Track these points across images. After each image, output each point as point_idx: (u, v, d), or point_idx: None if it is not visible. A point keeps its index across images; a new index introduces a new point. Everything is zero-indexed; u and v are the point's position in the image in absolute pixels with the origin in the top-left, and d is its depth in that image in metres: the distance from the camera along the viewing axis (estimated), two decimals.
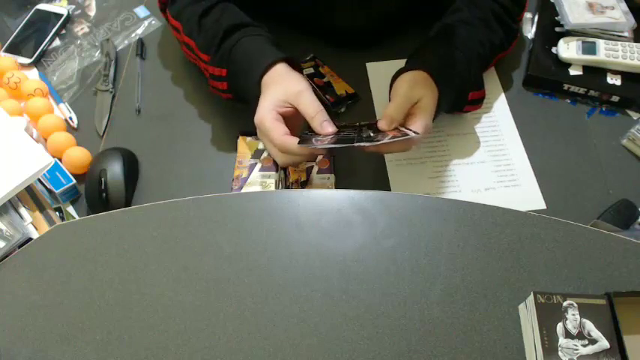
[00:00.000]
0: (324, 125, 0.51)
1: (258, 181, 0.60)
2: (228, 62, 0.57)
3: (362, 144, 0.48)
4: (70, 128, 0.66)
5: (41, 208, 0.57)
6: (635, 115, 0.65)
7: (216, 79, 0.59)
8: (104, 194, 0.58)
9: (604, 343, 0.40)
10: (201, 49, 0.59)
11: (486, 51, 0.60)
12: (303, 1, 0.65)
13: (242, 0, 0.62)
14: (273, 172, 0.60)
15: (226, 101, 0.62)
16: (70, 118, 0.67)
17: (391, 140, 0.49)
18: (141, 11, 0.78)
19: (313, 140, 0.51)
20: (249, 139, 0.63)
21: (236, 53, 0.57)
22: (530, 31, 0.73)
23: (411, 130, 0.51)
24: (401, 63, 0.61)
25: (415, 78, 0.55)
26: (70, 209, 0.60)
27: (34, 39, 0.73)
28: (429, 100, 0.54)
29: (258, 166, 0.61)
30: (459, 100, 0.59)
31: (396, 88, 0.55)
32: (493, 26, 0.61)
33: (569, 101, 0.67)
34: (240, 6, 0.61)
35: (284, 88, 0.53)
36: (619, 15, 0.69)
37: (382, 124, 0.52)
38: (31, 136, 0.60)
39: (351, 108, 0.67)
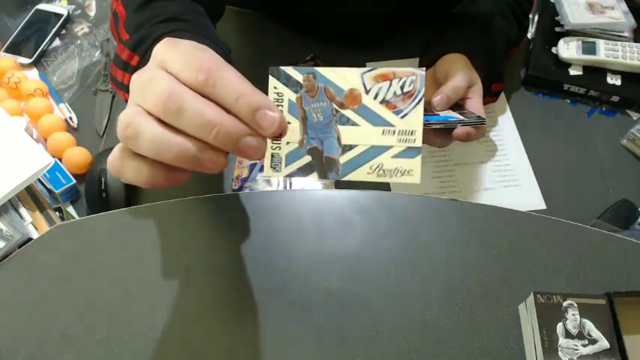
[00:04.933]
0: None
1: (259, 181, 0.60)
2: (145, 52, 0.41)
3: (465, 125, 0.45)
4: (70, 128, 0.66)
5: (41, 208, 0.57)
6: (635, 115, 0.65)
7: (121, 66, 0.43)
8: (104, 194, 0.58)
9: (604, 343, 0.40)
10: (127, 27, 0.44)
11: (505, 44, 0.60)
12: (315, 3, 0.63)
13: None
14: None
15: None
16: (70, 118, 0.67)
17: (481, 124, 0.47)
18: None
19: None
20: None
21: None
22: (530, 31, 0.73)
23: (474, 113, 0.49)
24: (401, 63, 0.61)
25: (467, 61, 0.53)
26: (70, 209, 0.60)
27: (34, 39, 0.73)
28: (480, 85, 0.52)
29: (259, 165, 0.61)
30: (485, 90, 0.58)
31: (449, 67, 0.52)
32: (510, 20, 0.61)
33: (569, 101, 0.67)
34: (247, 4, 0.59)
35: None
36: (619, 15, 0.69)
37: (437, 102, 0.49)
38: (31, 136, 0.60)
39: None
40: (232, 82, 0.28)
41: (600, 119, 0.65)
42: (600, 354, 0.40)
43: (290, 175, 0.32)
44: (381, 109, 0.31)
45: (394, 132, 0.31)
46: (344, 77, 0.31)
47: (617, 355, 0.40)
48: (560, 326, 0.41)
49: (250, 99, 0.27)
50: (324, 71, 0.31)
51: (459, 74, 0.51)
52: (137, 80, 0.29)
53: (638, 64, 0.64)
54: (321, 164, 0.31)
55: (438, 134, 0.48)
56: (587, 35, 0.68)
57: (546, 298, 0.42)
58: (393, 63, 0.69)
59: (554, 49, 0.68)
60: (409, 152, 0.30)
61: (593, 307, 0.42)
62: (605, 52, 0.65)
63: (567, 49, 0.67)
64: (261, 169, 0.60)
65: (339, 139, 0.31)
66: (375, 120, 0.31)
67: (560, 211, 0.52)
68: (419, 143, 0.30)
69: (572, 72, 0.67)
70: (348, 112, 0.31)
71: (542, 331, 0.41)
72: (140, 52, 0.42)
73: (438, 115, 0.48)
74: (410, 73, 0.30)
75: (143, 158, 0.28)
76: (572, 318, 0.42)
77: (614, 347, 0.40)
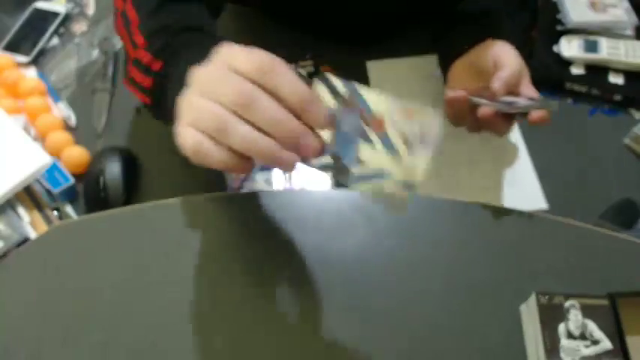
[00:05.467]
0: None
1: (259, 181, 0.59)
2: (170, 58, 0.44)
3: (538, 108, 0.46)
4: (68, 127, 0.66)
5: (39, 208, 0.57)
6: (637, 114, 0.65)
7: (142, 70, 0.45)
8: (103, 194, 0.58)
9: (606, 344, 0.40)
10: (142, 29, 0.46)
11: (523, 33, 0.60)
12: (314, 4, 0.63)
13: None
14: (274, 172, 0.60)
15: (145, 107, 0.49)
16: (69, 117, 0.66)
17: (548, 107, 0.47)
18: None
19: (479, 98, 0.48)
20: None
21: (185, 53, 0.43)
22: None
23: (534, 97, 0.49)
24: (402, 62, 0.61)
25: (513, 48, 0.52)
26: (69, 209, 0.60)
27: (32, 37, 0.73)
28: (528, 71, 0.52)
29: (259, 165, 0.60)
30: None
31: (499, 53, 0.51)
32: (524, 9, 0.61)
33: (570, 100, 0.67)
34: (246, 3, 0.59)
35: None
36: (621, 13, 0.68)
37: (498, 87, 0.47)
38: (29, 135, 0.60)
39: None
40: (289, 75, 0.33)
41: (602, 118, 0.65)
42: (602, 355, 0.40)
43: (311, 167, 0.35)
44: (397, 140, 0.34)
45: (401, 165, 0.34)
46: (377, 102, 0.35)
47: (619, 356, 0.40)
48: (562, 327, 0.41)
49: (306, 92, 0.33)
50: (363, 90, 0.35)
51: (514, 59, 0.50)
52: (206, 77, 0.34)
53: None
54: (337, 170, 0.35)
55: (505, 120, 0.48)
56: (589, 33, 0.68)
57: (548, 298, 0.42)
58: (394, 62, 0.69)
59: (555, 48, 0.68)
60: (407, 186, 0.34)
61: (596, 308, 0.42)
62: (608, 50, 0.65)
63: (569, 48, 0.66)
64: (261, 169, 0.60)
65: (357, 153, 0.34)
66: (390, 148, 0.34)
67: (562, 211, 0.52)
68: (417, 183, 0.34)
69: (574, 70, 0.66)
70: (370, 132, 0.35)
71: (544, 331, 0.41)
72: (163, 59, 0.44)
73: (504, 100, 0.48)
74: (431, 117, 0.35)
75: (225, 147, 0.33)
76: (575, 319, 0.41)
77: (616, 348, 0.40)
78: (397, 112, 0.35)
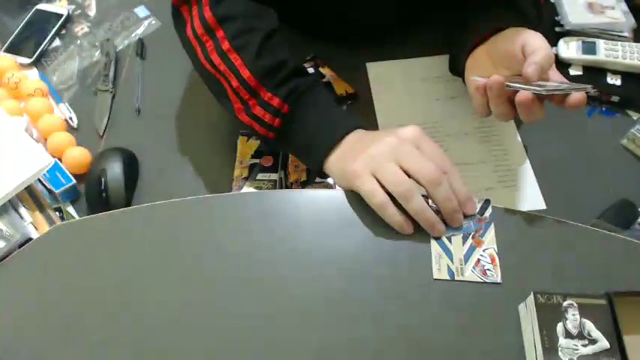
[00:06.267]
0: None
1: (258, 181, 0.60)
2: (297, 102, 0.52)
3: (578, 91, 0.46)
4: (70, 128, 0.66)
5: (41, 208, 0.57)
6: (635, 115, 0.65)
7: (271, 111, 0.52)
8: (104, 194, 0.58)
9: (604, 343, 0.40)
10: (253, 71, 0.52)
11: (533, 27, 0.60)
12: (314, 5, 0.63)
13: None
14: (274, 173, 0.60)
15: (258, 137, 0.56)
16: (70, 118, 0.67)
17: (586, 88, 0.47)
18: (141, 11, 0.78)
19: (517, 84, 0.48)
20: (249, 139, 0.63)
21: (313, 99, 0.52)
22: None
23: (565, 81, 0.50)
24: (401, 63, 0.61)
25: (540, 34, 0.52)
26: (70, 209, 0.60)
27: (34, 39, 0.73)
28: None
29: (259, 166, 0.61)
30: None
31: (526, 39, 0.51)
32: (532, 5, 0.61)
33: None
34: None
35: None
36: (619, 15, 0.69)
37: (532, 72, 0.47)
38: (31, 136, 0.60)
39: (351, 108, 0.67)
40: (461, 179, 0.48)
41: (600, 119, 0.65)
42: (600, 354, 0.40)
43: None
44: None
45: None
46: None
47: (617, 355, 0.40)
48: (560, 326, 0.41)
49: (467, 195, 0.48)
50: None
51: (544, 43, 0.50)
52: (400, 146, 0.47)
53: (638, 64, 0.64)
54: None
55: (540, 105, 0.47)
56: (587, 35, 0.68)
57: (546, 298, 0.42)
58: (393, 63, 0.69)
59: (554, 49, 0.68)
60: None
61: (593, 307, 0.42)
62: (605, 52, 0.65)
63: (567, 49, 0.67)
64: (262, 170, 0.60)
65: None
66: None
67: (560, 211, 0.52)
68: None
69: (572, 72, 0.67)
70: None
71: (542, 331, 0.41)
72: (290, 103, 0.52)
73: (537, 85, 0.47)
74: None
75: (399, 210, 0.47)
76: (572, 318, 0.41)
77: (614, 347, 0.40)
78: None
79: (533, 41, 0.50)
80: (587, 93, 0.47)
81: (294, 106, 0.52)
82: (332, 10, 0.64)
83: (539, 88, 0.46)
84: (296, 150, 0.56)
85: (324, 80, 0.68)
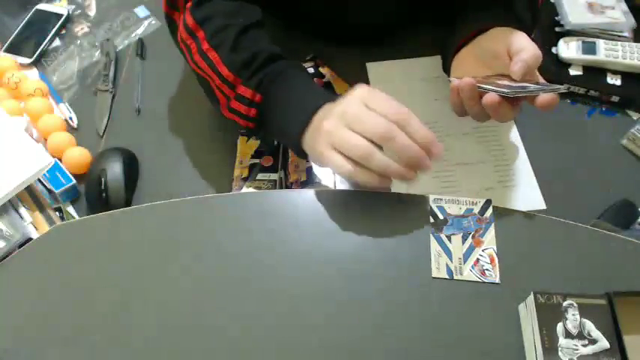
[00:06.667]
0: None
1: (258, 181, 0.60)
2: (268, 89, 0.52)
3: (547, 92, 0.46)
4: (70, 128, 0.66)
5: (41, 208, 0.57)
6: (635, 115, 0.65)
7: (245, 103, 0.53)
8: (104, 194, 0.58)
9: (604, 343, 0.40)
10: (229, 66, 0.53)
11: (526, 30, 0.59)
12: (314, 6, 0.63)
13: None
14: (274, 173, 0.60)
15: (245, 128, 0.56)
16: (70, 118, 0.67)
17: (559, 89, 0.47)
18: (141, 11, 0.78)
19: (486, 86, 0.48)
20: (249, 139, 0.63)
21: (282, 84, 0.52)
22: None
23: (544, 82, 0.49)
24: (401, 63, 0.61)
25: (525, 34, 0.52)
26: (70, 209, 0.60)
27: (34, 39, 0.73)
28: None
29: (259, 166, 0.61)
30: None
31: (512, 38, 0.50)
32: (527, 8, 0.60)
33: (569, 101, 0.67)
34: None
35: None
36: (619, 15, 0.69)
37: (518, 70, 0.47)
38: (31, 136, 0.60)
39: None
40: (417, 122, 0.45)
41: (600, 119, 0.65)
42: (600, 354, 0.40)
43: None
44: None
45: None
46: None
47: (617, 355, 0.40)
48: (560, 326, 0.41)
49: (429, 135, 0.45)
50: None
51: (531, 43, 0.49)
52: (348, 113, 0.46)
53: (638, 64, 0.64)
54: None
55: (510, 106, 0.48)
56: (587, 35, 0.68)
57: (546, 298, 0.42)
58: (393, 63, 0.69)
59: (554, 49, 0.68)
60: None
61: (593, 307, 0.42)
62: (605, 52, 0.65)
63: (567, 49, 0.67)
64: (262, 170, 0.60)
65: None
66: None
67: (560, 211, 0.52)
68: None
69: (572, 72, 0.67)
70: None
71: (542, 331, 0.41)
72: (262, 92, 0.52)
73: (516, 85, 0.47)
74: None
75: (367, 170, 0.45)
76: (572, 318, 0.42)
77: (614, 347, 0.40)
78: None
79: (519, 41, 0.50)
80: (559, 92, 0.47)
81: (266, 94, 0.52)
82: (332, 10, 0.64)
83: (506, 90, 0.46)
84: (276, 136, 0.56)
85: (324, 80, 0.68)
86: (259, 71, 0.52)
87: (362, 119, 0.45)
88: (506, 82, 0.48)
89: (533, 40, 0.50)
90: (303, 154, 0.51)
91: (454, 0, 0.61)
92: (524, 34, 0.51)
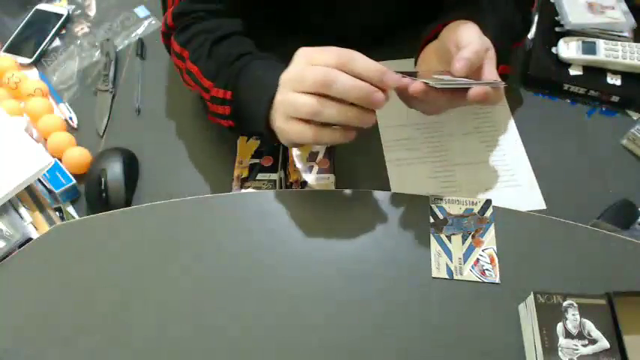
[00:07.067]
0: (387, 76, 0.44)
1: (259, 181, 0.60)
2: (235, 84, 0.52)
3: (478, 85, 0.44)
4: (70, 128, 0.66)
5: (41, 208, 0.57)
6: (635, 115, 0.65)
7: (219, 102, 0.54)
8: (104, 194, 0.58)
9: (604, 343, 0.40)
10: (206, 75, 0.54)
11: (509, 29, 0.58)
12: (314, 6, 0.63)
13: (246, 5, 0.59)
14: (274, 173, 0.60)
15: (229, 129, 0.57)
16: (70, 118, 0.67)
17: (499, 84, 0.45)
18: (141, 11, 0.78)
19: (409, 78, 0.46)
20: (249, 139, 0.63)
21: (245, 74, 0.52)
22: (530, 31, 0.73)
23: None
24: (401, 63, 0.61)
25: (477, 26, 0.50)
26: (70, 209, 0.60)
27: (34, 39, 0.73)
28: (494, 53, 0.49)
29: (259, 166, 0.61)
30: None
31: (461, 33, 0.49)
32: (515, 10, 0.59)
33: (569, 101, 0.67)
34: (245, 10, 0.60)
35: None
36: (619, 15, 0.69)
37: (458, 67, 0.45)
38: (31, 136, 0.60)
39: None
40: (362, 59, 0.43)
41: (600, 119, 0.65)
42: (600, 354, 0.40)
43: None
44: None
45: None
46: None
47: (617, 355, 0.40)
48: (560, 326, 0.41)
49: (378, 67, 0.43)
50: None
51: (477, 37, 0.48)
52: (291, 76, 0.45)
53: (638, 64, 0.64)
54: None
55: (443, 93, 0.46)
56: (587, 35, 0.68)
57: (546, 298, 0.42)
58: (393, 63, 0.69)
59: (554, 49, 0.68)
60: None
61: (593, 307, 0.42)
62: (605, 52, 0.65)
63: (567, 49, 0.67)
64: (262, 170, 0.60)
65: None
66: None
67: (560, 211, 0.52)
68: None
69: (572, 72, 0.67)
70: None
71: (542, 330, 0.41)
72: (229, 88, 0.52)
73: (460, 81, 0.46)
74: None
75: (321, 125, 0.44)
76: (572, 318, 0.42)
77: (614, 347, 0.40)
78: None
79: (467, 35, 0.48)
80: (496, 87, 0.45)
81: (234, 89, 0.52)
82: (332, 11, 0.64)
83: (431, 82, 0.44)
84: (252, 127, 0.53)
85: None
86: (227, 70, 0.53)
87: (302, 76, 0.44)
88: (448, 77, 0.47)
89: (524, 43, 0.49)
90: (277, 140, 0.49)
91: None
92: (475, 27, 0.49)
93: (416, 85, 0.45)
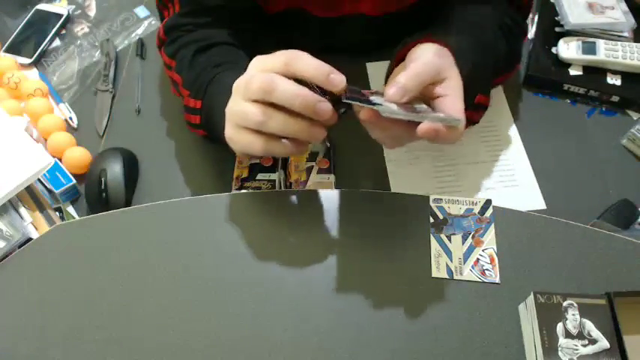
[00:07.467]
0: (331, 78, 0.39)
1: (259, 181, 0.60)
2: (204, 93, 0.51)
3: (429, 121, 0.38)
4: (70, 128, 0.66)
5: (41, 208, 0.57)
6: (635, 115, 0.65)
7: (191, 112, 0.54)
8: (104, 194, 0.58)
9: (604, 343, 0.40)
10: (184, 85, 0.55)
11: (497, 61, 0.54)
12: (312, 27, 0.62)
13: (234, 20, 0.58)
14: (274, 173, 0.60)
15: (202, 139, 0.57)
16: (70, 118, 0.67)
17: (454, 122, 0.39)
18: (141, 11, 0.78)
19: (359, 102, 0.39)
20: None
21: (216, 83, 0.50)
22: (530, 31, 0.73)
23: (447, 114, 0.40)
24: (401, 63, 0.60)
25: (442, 50, 0.44)
26: (70, 209, 0.60)
27: (34, 39, 0.73)
28: (459, 82, 0.43)
29: (259, 166, 0.61)
30: (467, 99, 0.45)
31: (416, 56, 0.44)
32: (503, 38, 0.55)
33: (569, 101, 0.67)
34: (234, 24, 0.59)
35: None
36: (619, 15, 0.69)
37: (391, 93, 0.39)
38: (31, 136, 0.60)
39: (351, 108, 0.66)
40: (305, 58, 0.39)
41: (600, 119, 0.65)
42: (600, 354, 0.40)
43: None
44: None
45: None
46: None
47: (617, 355, 0.40)
48: (560, 326, 0.41)
49: (321, 67, 0.38)
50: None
51: (423, 60, 0.42)
52: (240, 83, 0.42)
53: (638, 64, 0.64)
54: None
55: (396, 123, 0.39)
56: (587, 35, 0.68)
57: (546, 298, 0.42)
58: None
59: (554, 49, 0.68)
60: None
61: (593, 307, 0.42)
62: (605, 52, 0.65)
63: (567, 50, 0.67)
64: (262, 170, 0.60)
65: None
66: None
67: (560, 211, 0.52)
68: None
69: (572, 72, 0.67)
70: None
71: (542, 331, 0.41)
72: (199, 97, 0.52)
73: (416, 108, 0.41)
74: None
75: (267, 137, 0.41)
76: (572, 318, 0.42)
77: (614, 347, 0.40)
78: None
79: (415, 56, 0.44)
80: (453, 124, 0.39)
81: (203, 98, 0.52)
82: (316, 39, 0.61)
83: (381, 108, 0.38)
84: (219, 136, 0.48)
85: None
86: (200, 79, 0.52)
87: (250, 83, 0.40)
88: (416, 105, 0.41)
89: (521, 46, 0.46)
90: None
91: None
92: (432, 48, 0.44)
93: (364, 113, 0.40)
